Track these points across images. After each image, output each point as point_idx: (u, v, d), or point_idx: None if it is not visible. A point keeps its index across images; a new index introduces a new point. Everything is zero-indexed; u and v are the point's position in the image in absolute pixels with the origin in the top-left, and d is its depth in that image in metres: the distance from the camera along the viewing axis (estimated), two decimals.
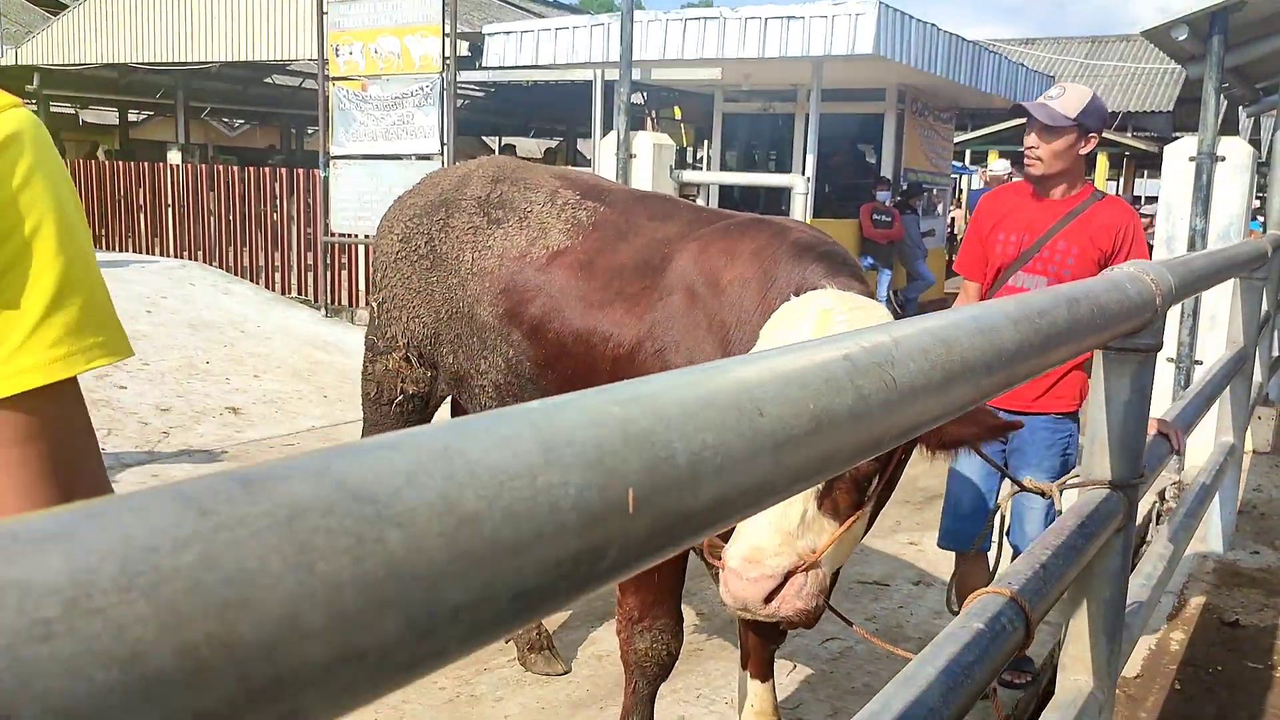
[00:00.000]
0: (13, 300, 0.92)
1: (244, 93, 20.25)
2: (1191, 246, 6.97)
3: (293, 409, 7.61)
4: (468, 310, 3.34)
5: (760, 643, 3.35)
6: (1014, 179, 8.50)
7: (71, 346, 0.94)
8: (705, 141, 16.94)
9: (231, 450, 6.98)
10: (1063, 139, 3.69)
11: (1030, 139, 3.75)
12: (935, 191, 15.11)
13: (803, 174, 11.85)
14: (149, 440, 6.93)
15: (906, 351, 1.12)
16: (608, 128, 9.36)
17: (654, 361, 2.83)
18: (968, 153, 25.23)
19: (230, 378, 8.29)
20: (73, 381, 0.95)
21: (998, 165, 13.88)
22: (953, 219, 18.84)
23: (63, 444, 0.95)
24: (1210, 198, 7.00)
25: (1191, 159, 7.07)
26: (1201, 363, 7.08)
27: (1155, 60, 27.49)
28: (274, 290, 11.64)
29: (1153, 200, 23.45)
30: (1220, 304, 7.01)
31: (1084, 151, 3.76)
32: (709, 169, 15.14)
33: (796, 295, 2.66)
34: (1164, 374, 7.19)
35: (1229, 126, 30.09)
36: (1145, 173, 28.46)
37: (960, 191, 23.06)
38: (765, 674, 3.35)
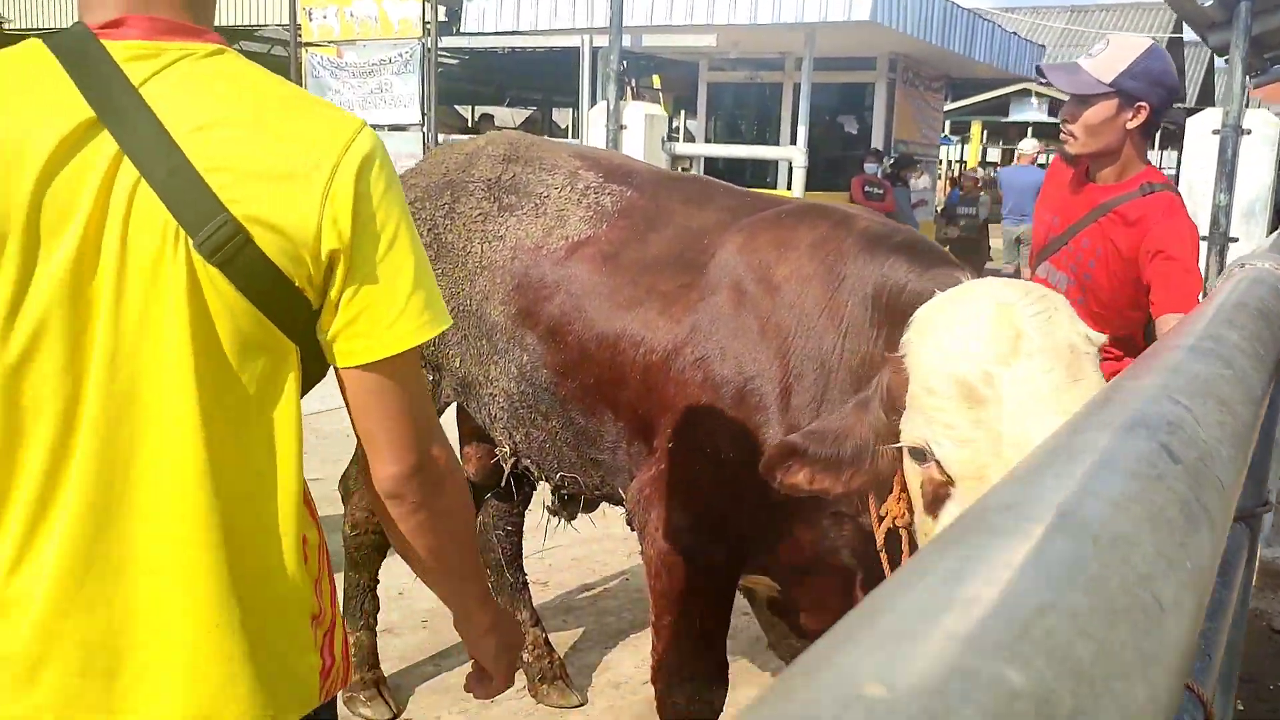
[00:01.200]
0: (386, 285, 1.26)
1: None
2: (1215, 224, 6.66)
3: None
4: (476, 308, 2.93)
5: None
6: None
7: (430, 315, 1.30)
8: (683, 111, 16.49)
9: None
10: (1097, 109, 2.99)
11: (1064, 110, 3.09)
12: (919, 166, 14.76)
13: (794, 145, 11.49)
14: None
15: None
16: (593, 98, 8.92)
17: (694, 371, 2.44)
18: (947, 123, 24.93)
19: None
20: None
21: (1027, 145, 13.59)
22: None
23: (420, 388, 1.35)
24: (1235, 172, 6.67)
25: (1215, 132, 6.74)
26: None
27: (1136, 29, 27.23)
28: None
29: None
30: None
31: (1133, 125, 3.00)
32: (694, 140, 14.71)
33: (881, 295, 2.27)
34: None
35: (1205, 98, 29.94)
36: None
37: (940, 163, 22.72)
38: None
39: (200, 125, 1.21)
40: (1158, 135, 27.88)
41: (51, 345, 1.20)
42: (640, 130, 8.31)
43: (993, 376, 1.66)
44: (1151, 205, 3.00)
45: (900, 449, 1.82)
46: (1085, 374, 1.68)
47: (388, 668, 3.64)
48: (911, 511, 1.86)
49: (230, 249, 1.20)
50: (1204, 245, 6.68)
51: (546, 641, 3.71)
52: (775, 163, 12.05)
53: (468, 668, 3.90)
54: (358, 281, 1.26)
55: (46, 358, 1.20)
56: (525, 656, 3.66)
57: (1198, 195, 6.77)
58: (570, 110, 25.86)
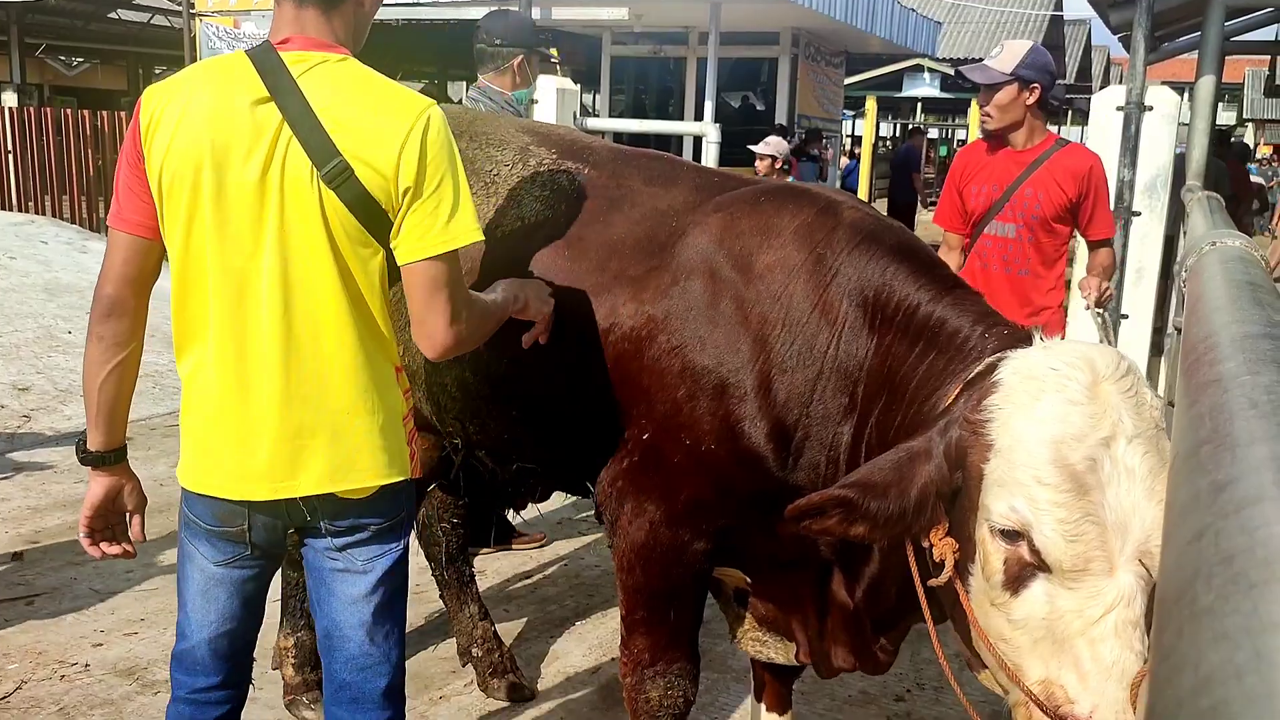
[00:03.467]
0: (429, 211, 1.93)
1: (84, 28, 18.61)
2: (1120, 198, 6.82)
3: (172, 384, 6.81)
4: None
5: (778, 677, 2.96)
6: None
7: (453, 234, 1.95)
8: (579, 85, 16.30)
9: None
10: (1004, 93, 4.06)
11: (981, 98, 4.16)
12: (826, 140, 14.88)
13: (700, 120, 11.44)
14: (6, 425, 6.11)
15: None
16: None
17: (670, 360, 2.35)
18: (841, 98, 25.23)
19: None
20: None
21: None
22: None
23: (455, 286, 1.99)
24: (1138, 148, 6.84)
25: (1119, 108, 6.88)
26: (1129, 317, 6.97)
27: (1021, 6, 27.92)
28: None
29: None
30: (1149, 257, 6.91)
31: (1031, 102, 4.10)
32: (596, 115, 14.56)
33: (883, 303, 2.20)
34: (1091, 327, 7.06)
35: (1083, 74, 30.77)
36: None
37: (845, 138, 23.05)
38: (784, 706, 2.97)
39: (329, 104, 1.92)
40: (1069, 113, 28.58)
41: (240, 230, 1.92)
42: (552, 104, 8.15)
43: (1096, 463, 1.65)
44: (1073, 150, 4.20)
45: (986, 521, 1.77)
46: (1168, 453, 1.67)
47: None
48: (961, 554, 1.83)
49: (340, 178, 1.90)
50: None
51: (495, 635, 3.61)
52: (683, 138, 11.99)
53: (412, 663, 3.80)
54: (414, 206, 1.94)
55: (237, 237, 1.92)
56: (475, 651, 3.56)
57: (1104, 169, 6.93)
58: (465, 83, 25.42)
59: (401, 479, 2.07)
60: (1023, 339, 1.97)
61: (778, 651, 2.67)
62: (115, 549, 2.15)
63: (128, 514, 2.15)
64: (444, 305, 1.97)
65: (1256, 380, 0.96)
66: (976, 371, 1.90)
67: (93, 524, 2.10)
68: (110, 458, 2.08)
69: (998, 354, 1.90)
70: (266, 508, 2.01)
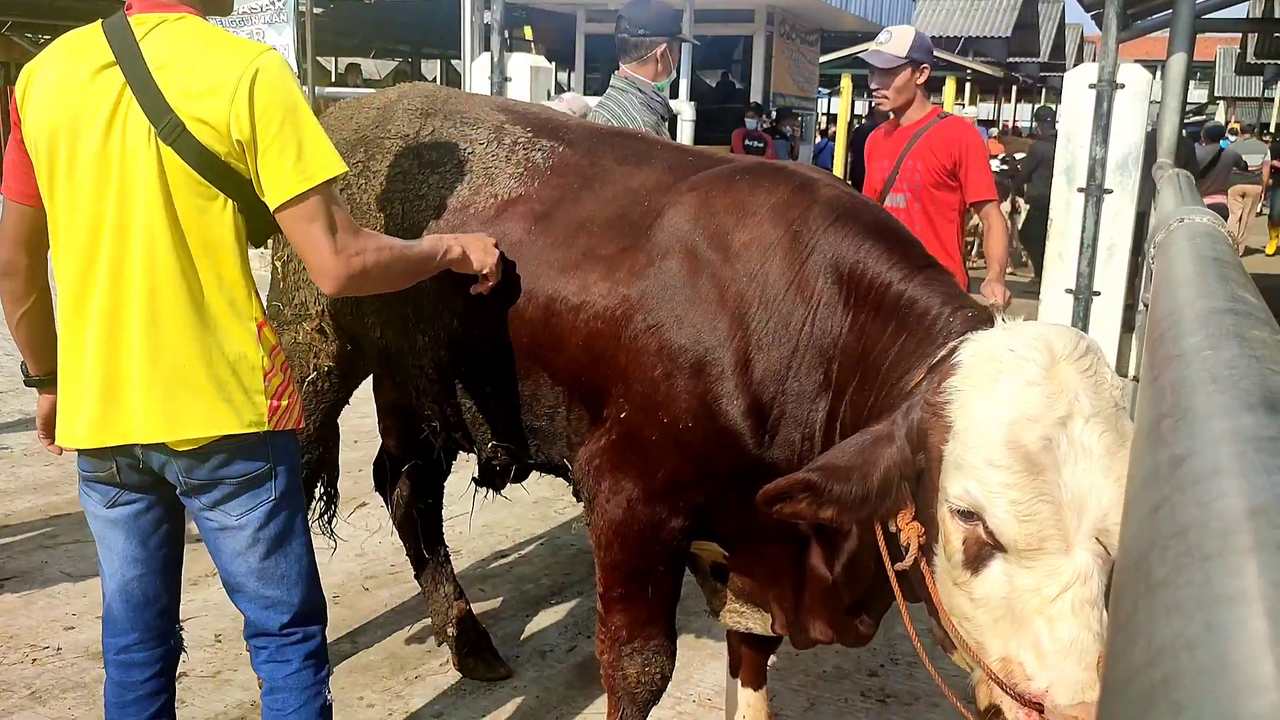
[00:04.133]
0: (276, 157, 1.99)
1: (51, 5, 18.30)
2: (1091, 176, 6.85)
3: None
4: None
5: (755, 651, 2.97)
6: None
7: (309, 173, 2.02)
8: (554, 63, 16.17)
9: None
10: (900, 75, 4.44)
11: (874, 82, 4.52)
12: (800, 118, 14.85)
13: (676, 98, 11.39)
14: None
15: None
16: (472, 50, 8.64)
17: (647, 339, 2.35)
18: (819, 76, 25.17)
19: None
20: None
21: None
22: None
23: (324, 224, 2.06)
24: (1110, 126, 6.87)
25: (1092, 86, 6.91)
26: (1100, 294, 7.01)
27: None
28: None
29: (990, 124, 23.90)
30: (1120, 234, 6.94)
31: (920, 82, 4.54)
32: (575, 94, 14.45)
33: (857, 281, 2.21)
34: (1063, 305, 7.10)
35: (1057, 53, 30.87)
36: (990, 97, 29.05)
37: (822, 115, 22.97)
38: (759, 682, 2.98)
39: (164, 63, 2.00)
40: (1014, 90, 28.68)
41: (87, 190, 2.03)
42: (525, 83, 8.11)
43: (1051, 442, 1.66)
44: (951, 122, 4.63)
45: (943, 497, 1.79)
46: (1127, 431, 1.69)
47: None
48: (926, 536, 1.85)
49: (174, 135, 1.98)
50: (1080, 197, 6.90)
51: (470, 614, 3.61)
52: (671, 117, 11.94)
53: (387, 644, 3.81)
54: (259, 156, 2.01)
55: (84, 199, 2.03)
56: (450, 630, 3.56)
57: (1075, 147, 6.95)
58: (439, 62, 25.22)
59: (251, 431, 2.11)
60: (986, 320, 1.98)
61: (756, 623, 2.69)
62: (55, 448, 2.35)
63: None
64: (320, 240, 2.05)
65: (1218, 355, 0.97)
66: (941, 355, 1.92)
67: (45, 430, 2.36)
68: (47, 379, 2.31)
69: (961, 336, 1.91)
70: (123, 451, 2.12)
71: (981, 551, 1.74)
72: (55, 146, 2.03)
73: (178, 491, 2.17)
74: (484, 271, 2.43)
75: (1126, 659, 0.50)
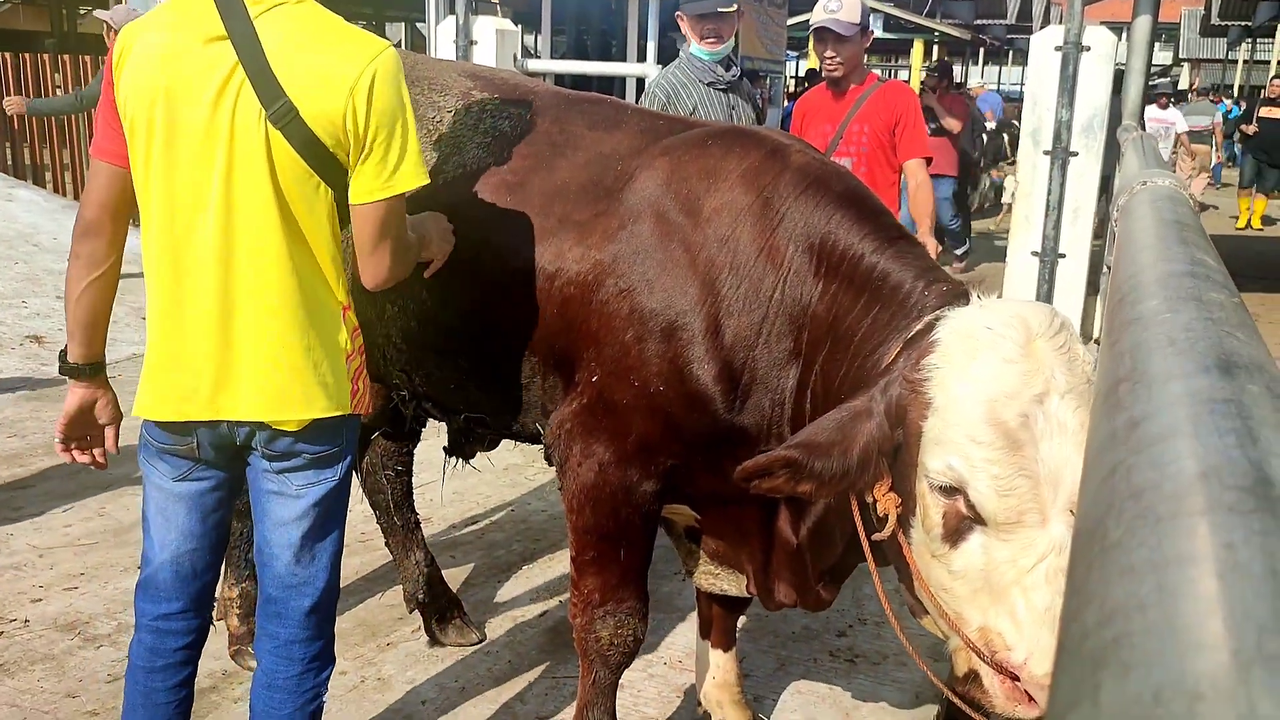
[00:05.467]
0: (379, 157, 2.04)
1: None
2: (1058, 138, 6.89)
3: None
4: None
5: (725, 612, 3.00)
6: None
7: (398, 180, 2.07)
8: (520, 26, 15.99)
9: (39, 387, 6.10)
10: (854, 42, 4.51)
11: (829, 50, 4.50)
12: (770, 80, 14.78)
13: (644, 61, 11.29)
14: None
15: None
16: (438, 13, 8.54)
17: (619, 303, 2.35)
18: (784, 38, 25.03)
19: (27, 300, 7.26)
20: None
21: None
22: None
23: (397, 230, 2.15)
24: (1076, 89, 6.89)
25: (1058, 48, 6.92)
26: (1065, 256, 7.05)
27: None
28: (65, 195, 10.32)
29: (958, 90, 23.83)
30: (1085, 197, 6.98)
31: (866, 47, 4.72)
32: (538, 57, 14.30)
33: (828, 252, 2.22)
34: (1029, 268, 7.15)
35: (1024, 14, 30.91)
36: (957, 59, 29.01)
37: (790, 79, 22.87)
38: (729, 643, 3.01)
39: (282, 46, 2.00)
40: (982, 52, 28.60)
41: (188, 161, 2.02)
42: (491, 46, 8.03)
43: (1029, 418, 1.69)
44: (891, 86, 4.79)
45: (921, 470, 1.82)
46: None
47: None
48: (903, 507, 1.87)
49: (285, 120, 1.99)
50: (1046, 160, 6.93)
51: (441, 581, 3.62)
52: (625, 80, 11.86)
53: (360, 612, 3.81)
54: (365, 154, 2.04)
55: (185, 171, 2.03)
56: (421, 597, 3.57)
57: (1041, 110, 6.97)
58: (403, 25, 24.90)
59: (338, 414, 2.16)
60: (961, 295, 2.00)
61: (730, 583, 2.73)
62: (85, 456, 2.29)
63: (103, 427, 2.29)
64: (388, 245, 2.13)
65: (1176, 318, 0.98)
66: (916, 330, 1.94)
67: (67, 431, 2.25)
68: (87, 370, 2.21)
69: (936, 312, 1.94)
70: (209, 425, 2.13)
71: (960, 525, 1.78)
72: (153, 113, 2.01)
73: (254, 454, 2.19)
74: (440, 257, 2.47)
75: (1080, 620, 0.51)
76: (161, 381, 2.11)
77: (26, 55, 10.65)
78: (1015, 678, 1.76)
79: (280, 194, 2.03)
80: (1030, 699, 1.76)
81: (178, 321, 2.08)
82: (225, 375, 2.08)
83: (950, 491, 1.77)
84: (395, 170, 2.06)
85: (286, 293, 2.07)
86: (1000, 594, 1.76)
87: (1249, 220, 15.18)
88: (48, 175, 10.66)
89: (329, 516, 2.26)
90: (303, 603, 2.26)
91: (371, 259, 2.13)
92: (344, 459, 2.24)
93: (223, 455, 2.20)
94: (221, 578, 3.38)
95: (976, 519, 1.75)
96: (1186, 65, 41.26)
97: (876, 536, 1.93)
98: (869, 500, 1.95)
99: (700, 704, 3.13)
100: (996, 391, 1.72)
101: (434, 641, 3.52)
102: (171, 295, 2.08)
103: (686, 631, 3.59)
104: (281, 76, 1.98)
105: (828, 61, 4.55)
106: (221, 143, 2.00)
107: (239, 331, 2.07)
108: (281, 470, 2.18)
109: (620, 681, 2.70)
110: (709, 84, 4.23)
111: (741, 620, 3.47)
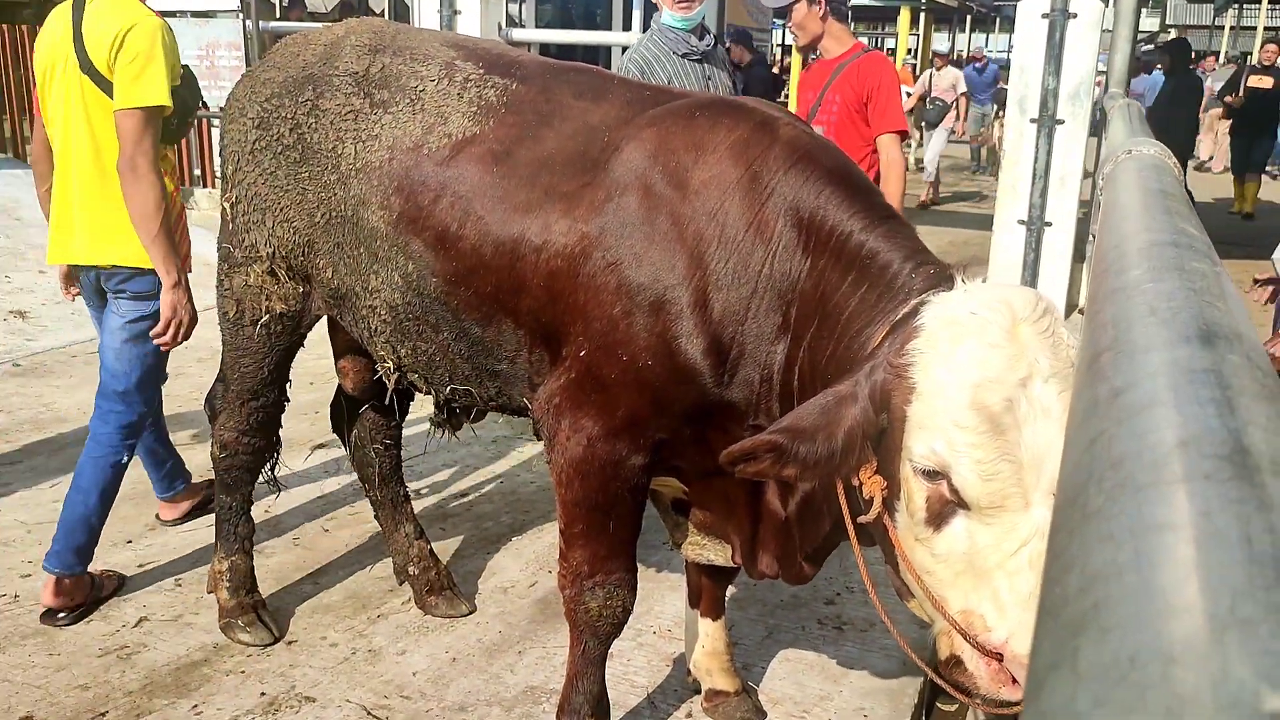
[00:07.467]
0: (125, 83, 3.31)
1: None
2: (1044, 107, 6.88)
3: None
4: (350, 214, 2.74)
5: (713, 582, 3.02)
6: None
7: (137, 97, 3.32)
8: None
9: (24, 362, 6.07)
10: (795, 12, 4.55)
11: (787, 20, 4.68)
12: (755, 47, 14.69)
13: (630, 30, 11.22)
14: None
15: None
16: None
17: (606, 276, 2.34)
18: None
19: (10, 275, 7.21)
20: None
21: None
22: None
23: (142, 135, 3.31)
24: (1063, 56, 6.87)
25: (1045, 16, 6.90)
26: (1052, 224, 7.06)
27: None
28: None
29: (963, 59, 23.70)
30: (1071, 164, 6.99)
31: (822, 15, 4.61)
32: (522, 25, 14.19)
33: (817, 228, 2.22)
34: (1015, 237, 7.16)
35: None
36: (944, 27, 28.89)
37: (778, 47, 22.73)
38: (718, 612, 3.04)
39: (89, 26, 3.33)
40: (969, 19, 28.43)
41: (59, 105, 3.41)
42: (475, 14, 7.97)
43: (1013, 403, 1.70)
44: (868, 58, 4.72)
45: (903, 452, 1.83)
46: None
47: (263, 589, 3.50)
48: (888, 491, 1.89)
49: (88, 68, 3.31)
50: (1033, 127, 6.93)
51: (431, 553, 3.63)
52: (611, 49, 11.78)
53: (349, 584, 3.82)
54: (116, 77, 3.27)
55: (58, 111, 3.42)
56: (411, 569, 3.58)
57: (1029, 77, 6.96)
58: None
59: (145, 266, 3.38)
60: (946, 278, 2.01)
61: (716, 554, 2.74)
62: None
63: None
64: (127, 147, 3.24)
65: (1158, 287, 0.98)
66: (903, 314, 1.94)
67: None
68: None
69: (922, 295, 1.94)
70: (80, 270, 3.54)
71: (944, 509, 1.79)
72: (46, 78, 3.42)
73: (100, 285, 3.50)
74: (167, 322, 3.34)
75: (1061, 586, 0.52)
76: (54, 239, 3.57)
77: (5, 26, 10.53)
78: (999, 658, 1.78)
79: (92, 117, 3.36)
80: (1014, 681, 1.78)
81: (61, 198, 3.49)
82: (78, 234, 3.43)
83: (934, 475, 1.79)
84: (130, 88, 3.25)
85: (107, 178, 3.35)
86: (983, 577, 1.78)
87: (1241, 209, 14.61)
88: (28, 149, 10.55)
89: (138, 335, 3.45)
90: (117, 386, 3.48)
91: (120, 152, 3.28)
92: (155, 299, 3.38)
93: (92, 286, 3.56)
94: (213, 551, 3.41)
95: (960, 503, 1.77)
96: (1174, 32, 41.13)
97: (862, 519, 1.95)
98: (855, 483, 1.97)
99: (690, 672, 3.15)
100: (980, 376, 1.73)
101: (425, 613, 3.53)
102: (56, 181, 3.49)
103: (676, 601, 3.62)
104: (88, 41, 3.30)
105: (790, 30, 4.72)
106: (74, 88, 3.35)
107: (86, 205, 3.41)
108: (116, 297, 3.47)
109: (610, 651, 2.72)
110: (683, 55, 4.15)
111: (730, 589, 3.49)
